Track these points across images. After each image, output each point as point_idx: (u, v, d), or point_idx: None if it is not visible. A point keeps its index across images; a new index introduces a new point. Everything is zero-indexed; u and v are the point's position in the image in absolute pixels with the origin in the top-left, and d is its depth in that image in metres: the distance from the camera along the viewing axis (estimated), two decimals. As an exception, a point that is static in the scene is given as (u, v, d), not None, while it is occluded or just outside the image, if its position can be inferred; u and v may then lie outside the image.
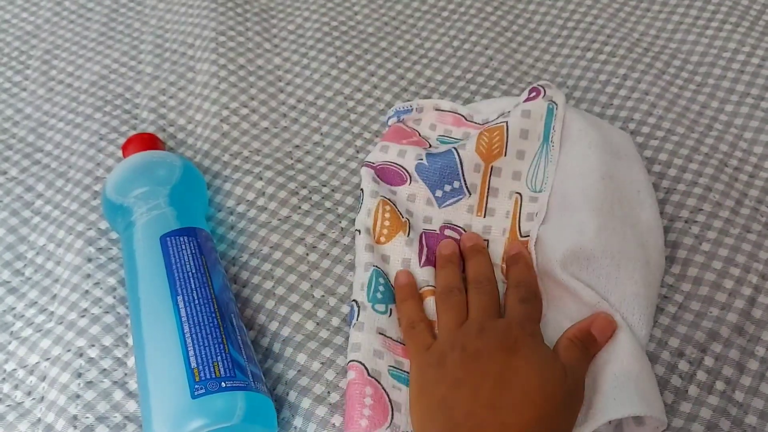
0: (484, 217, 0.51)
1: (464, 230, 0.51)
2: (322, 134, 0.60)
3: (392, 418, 0.42)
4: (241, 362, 0.42)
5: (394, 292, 0.48)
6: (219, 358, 0.41)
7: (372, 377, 0.43)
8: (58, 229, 0.54)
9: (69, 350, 0.47)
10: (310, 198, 0.55)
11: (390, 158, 0.54)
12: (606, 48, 0.63)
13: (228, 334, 0.43)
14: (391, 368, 0.44)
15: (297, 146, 0.59)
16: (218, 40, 0.66)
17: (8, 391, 0.47)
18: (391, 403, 0.42)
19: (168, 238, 0.47)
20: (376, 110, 0.61)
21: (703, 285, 0.47)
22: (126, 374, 0.47)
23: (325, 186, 0.56)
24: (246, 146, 0.59)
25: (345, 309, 0.49)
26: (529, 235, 0.48)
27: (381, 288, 0.47)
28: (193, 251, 0.46)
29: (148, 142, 0.55)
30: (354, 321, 0.46)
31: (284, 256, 0.52)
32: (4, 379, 0.47)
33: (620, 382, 0.40)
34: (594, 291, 0.45)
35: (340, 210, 0.55)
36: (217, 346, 0.41)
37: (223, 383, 0.40)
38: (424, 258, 0.49)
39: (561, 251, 0.46)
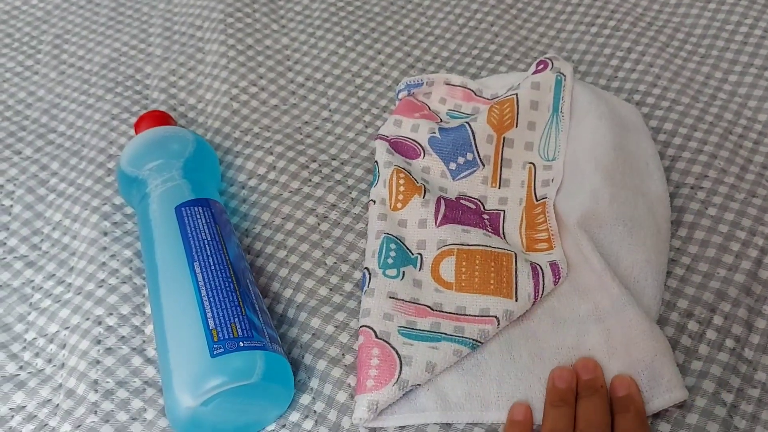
0: (499, 188, 0.52)
1: (480, 201, 0.52)
2: (330, 111, 0.60)
3: (400, 373, 0.42)
4: (257, 324, 0.42)
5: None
6: (236, 319, 0.42)
7: (380, 338, 0.44)
8: (74, 205, 0.55)
9: (88, 318, 0.48)
10: (320, 171, 0.56)
11: (403, 132, 0.54)
12: (610, 22, 0.63)
13: (244, 298, 0.43)
14: (402, 328, 0.44)
15: (306, 122, 0.60)
16: (226, 21, 0.67)
17: (29, 359, 0.48)
18: (400, 359, 0.43)
19: (183, 208, 0.47)
20: (383, 87, 0.62)
21: (710, 247, 0.48)
22: (144, 341, 0.47)
23: (334, 159, 0.57)
24: (256, 123, 0.60)
25: (357, 275, 0.50)
26: (545, 197, 0.49)
27: (392, 254, 0.48)
28: (208, 220, 0.47)
29: (160, 119, 0.56)
30: (365, 288, 0.47)
31: (296, 227, 0.52)
32: (24, 348, 0.48)
33: (639, 375, 0.41)
34: (602, 258, 0.45)
35: (350, 182, 0.55)
36: (233, 308, 0.42)
37: (240, 343, 0.40)
38: (441, 217, 0.49)
39: (575, 216, 0.47)
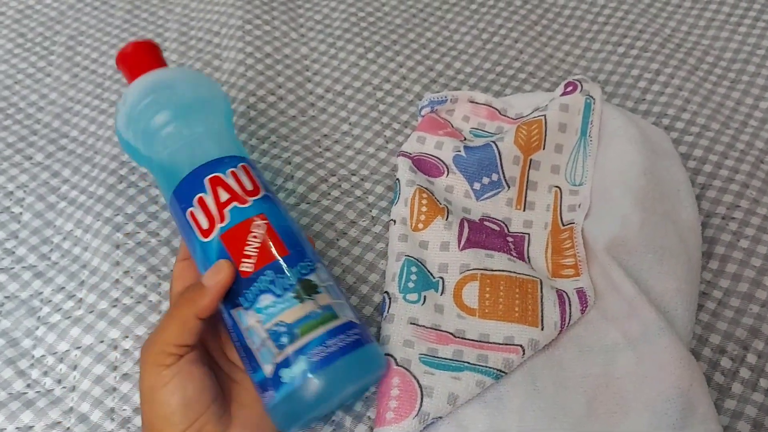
0: (524, 210, 0.51)
1: (503, 223, 0.50)
2: (350, 124, 0.59)
3: (421, 405, 0.41)
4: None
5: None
6: None
7: (400, 366, 0.42)
8: (86, 215, 0.53)
9: (102, 341, 0.47)
10: (340, 185, 0.55)
11: (427, 150, 0.53)
12: (638, 43, 0.62)
13: None
14: (423, 356, 0.43)
15: (325, 135, 0.58)
16: (244, 28, 0.65)
17: (37, 377, 0.46)
18: (421, 390, 0.41)
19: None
20: (404, 101, 0.60)
21: (743, 282, 0.47)
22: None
23: (354, 175, 0.55)
24: (273, 132, 0.58)
25: (377, 297, 0.48)
26: (572, 222, 0.48)
27: (413, 277, 0.47)
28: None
29: (150, 55, 0.48)
30: (385, 313, 0.45)
31: (314, 240, 0.51)
32: (32, 365, 0.47)
33: (673, 402, 0.40)
34: (635, 283, 0.44)
35: (371, 199, 0.54)
36: None
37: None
38: (464, 241, 0.48)
39: (603, 242, 0.45)
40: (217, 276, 0.38)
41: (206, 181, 0.41)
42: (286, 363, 0.37)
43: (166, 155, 0.43)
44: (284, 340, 0.37)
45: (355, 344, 0.38)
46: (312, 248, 0.42)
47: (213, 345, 0.42)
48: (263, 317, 0.37)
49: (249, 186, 0.41)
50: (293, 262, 0.39)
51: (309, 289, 0.38)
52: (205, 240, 0.40)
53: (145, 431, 0.37)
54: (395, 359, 0.43)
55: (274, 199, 0.42)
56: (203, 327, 0.38)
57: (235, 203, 0.40)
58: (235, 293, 0.38)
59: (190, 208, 0.41)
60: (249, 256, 0.39)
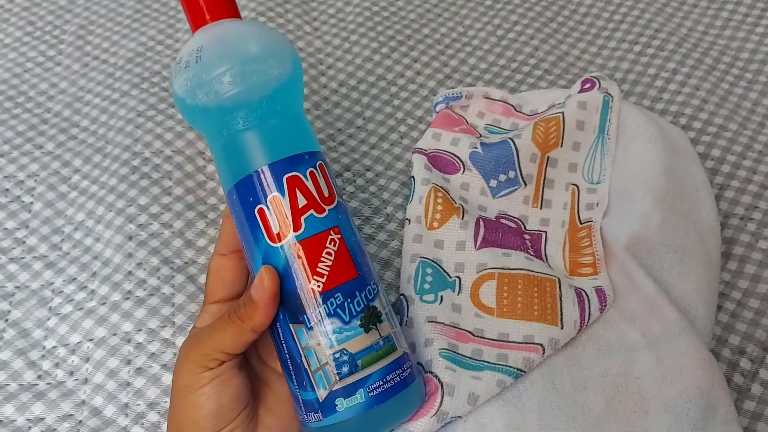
0: (541, 208, 0.50)
1: (520, 221, 0.50)
2: (365, 119, 0.58)
3: (440, 404, 0.40)
4: None
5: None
6: None
7: (418, 364, 0.42)
8: (98, 206, 0.53)
9: (115, 334, 0.46)
10: (354, 181, 0.54)
11: (442, 146, 0.53)
12: (654, 42, 0.62)
13: None
14: (443, 350, 0.42)
15: (339, 130, 0.58)
16: (258, 20, 0.65)
17: (48, 369, 0.45)
18: (442, 387, 0.41)
19: None
20: (419, 96, 0.60)
21: (762, 282, 0.46)
22: (174, 354, 0.45)
23: (369, 170, 0.55)
24: (288, 128, 0.58)
25: (392, 297, 0.48)
26: (590, 220, 0.47)
27: (429, 278, 0.46)
28: None
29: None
30: (405, 318, 0.45)
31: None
32: (43, 356, 0.46)
33: (694, 402, 0.40)
34: (655, 283, 0.44)
35: (385, 195, 0.53)
36: None
37: None
38: (480, 240, 0.48)
39: (623, 241, 0.45)
40: (263, 287, 0.35)
41: (284, 180, 0.37)
42: (344, 393, 0.36)
43: (235, 136, 0.37)
44: (345, 369, 0.36)
45: (408, 380, 0.37)
46: (372, 266, 0.39)
47: None
48: (327, 342, 0.36)
49: (326, 191, 0.38)
50: (362, 285, 0.37)
51: (374, 318, 0.37)
52: (273, 245, 0.36)
53: (171, 425, 0.37)
54: (422, 365, 0.42)
55: (345, 208, 0.39)
56: (256, 338, 0.36)
57: (312, 211, 0.37)
58: (299, 309, 0.36)
59: (261, 205, 0.36)
60: (320, 274, 0.36)
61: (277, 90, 0.37)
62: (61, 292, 0.49)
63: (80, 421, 0.43)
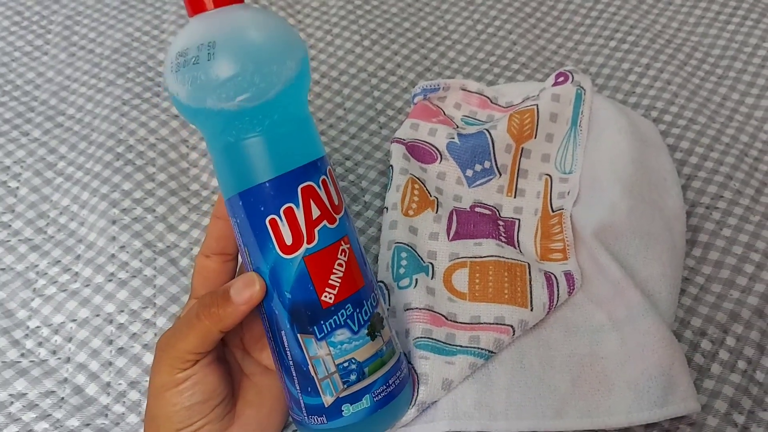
0: (515, 197, 0.52)
1: (495, 209, 0.51)
2: (345, 109, 0.60)
3: (417, 395, 0.42)
4: None
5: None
6: None
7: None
8: (82, 191, 0.54)
9: (98, 315, 0.47)
10: (333, 170, 0.55)
11: (420, 136, 0.54)
12: (629, 38, 0.63)
13: None
14: (417, 339, 0.44)
15: (320, 119, 0.59)
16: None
17: (31, 348, 0.47)
18: (417, 377, 0.42)
19: None
20: (399, 88, 0.61)
21: (724, 268, 0.48)
22: (156, 335, 0.46)
23: (348, 159, 0.56)
24: (270, 118, 0.59)
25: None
26: (562, 208, 0.49)
27: (403, 262, 0.47)
28: None
29: None
30: (387, 306, 0.46)
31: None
32: (27, 335, 0.47)
33: (655, 380, 0.41)
34: (620, 266, 0.45)
35: (364, 184, 0.55)
36: None
37: None
38: (453, 232, 0.49)
39: (591, 227, 0.46)
40: (247, 292, 0.35)
41: (299, 190, 0.35)
42: (350, 399, 0.36)
43: (244, 142, 0.35)
44: (353, 377, 0.36)
45: (405, 380, 0.39)
46: (371, 267, 0.39)
47: (231, 333, 0.39)
48: (336, 352, 0.36)
49: (336, 199, 0.36)
50: (368, 293, 0.37)
51: (378, 324, 0.37)
52: (286, 257, 0.35)
53: (147, 420, 0.37)
54: (406, 356, 0.43)
55: (348, 212, 0.38)
56: (224, 334, 0.36)
57: (325, 222, 0.35)
58: (309, 320, 0.35)
59: (273, 216, 0.35)
60: (332, 286, 0.35)
61: (292, 94, 0.35)
62: (46, 274, 0.50)
63: (62, 398, 0.44)
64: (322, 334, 0.35)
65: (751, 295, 0.47)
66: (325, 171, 0.36)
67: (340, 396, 0.36)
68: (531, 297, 0.45)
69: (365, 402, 0.36)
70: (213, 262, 0.39)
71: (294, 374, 0.36)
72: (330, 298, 0.35)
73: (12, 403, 0.44)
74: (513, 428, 0.42)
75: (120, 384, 0.45)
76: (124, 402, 0.44)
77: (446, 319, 0.45)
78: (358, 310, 0.36)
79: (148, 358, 0.45)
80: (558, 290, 0.46)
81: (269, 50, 0.34)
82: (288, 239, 0.35)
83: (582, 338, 0.45)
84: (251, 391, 0.39)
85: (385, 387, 0.37)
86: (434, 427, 0.42)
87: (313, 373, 0.36)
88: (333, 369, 0.36)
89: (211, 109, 0.34)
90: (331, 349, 0.35)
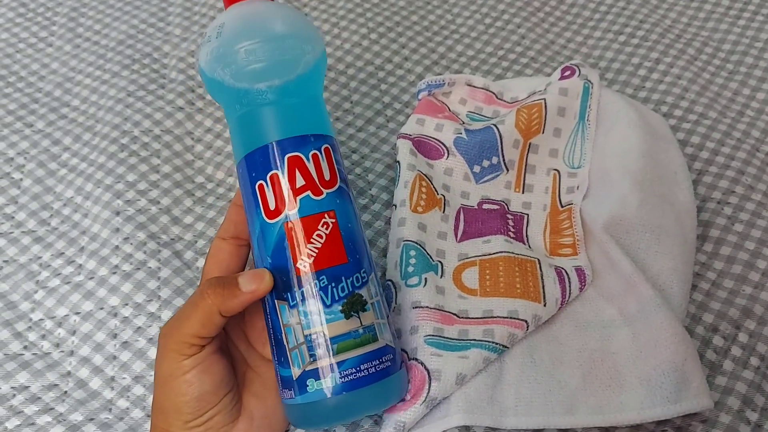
0: (523, 192, 0.51)
1: (503, 203, 0.51)
2: (352, 102, 0.59)
3: (429, 391, 0.41)
4: None
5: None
6: None
7: (411, 359, 0.42)
8: (86, 182, 0.53)
9: (102, 308, 0.47)
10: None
11: (426, 132, 0.53)
12: (638, 32, 0.63)
13: None
14: (428, 336, 0.43)
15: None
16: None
17: (34, 340, 0.46)
18: (429, 375, 0.42)
19: None
20: (406, 81, 0.61)
21: (736, 264, 0.47)
22: (160, 328, 0.46)
23: (354, 152, 0.56)
24: (276, 110, 0.58)
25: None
26: (571, 203, 0.48)
27: (412, 261, 0.46)
28: None
29: None
30: (393, 305, 0.45)
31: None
32: (30, 327, 0.47)
33: (668, 376, 0.40)
34: (632, 261, 0.45)
35: (370, 177, 0.54)
36: None
37: None
38: (461, 232, 0.49)
39: (602, 221, 0.46)
40: (255, 284, 0.36)
41: (286, 159, 0.38)
42: (314, 374, 0.36)
43: (248, 112, 0.39)
44: (320, 352, 0.36)
45: (385, 372, 0.38)
46: (369, 254, 0.40)
47: (233, 325, 0.41)
48: (305, 322, 0.36)
49: (327, 175, 0.39)
50: (350, 272, 0.38)
51: (357, 305, 0.37)
52: (269, 221, 0.38)
53: (155, 412, 0.37)
54: (407, 353, 0.43)
55: (347, 193, 0.40)
56: (226, 320, 0.37)
57: (309, 192, 0.38)
58: (285, 286, 0.37)
59: (261, 181, 0.38)
60: (309, 255, 0.37)
61: (291, 70, 0.39)
62: (49, 266, 0.49)
63: (65, 392, 0.44)
64: (294, 302, 0.37)
65: (764, 290, 0.46)
66: (319, 147, 0.39)
67: (306, 369, 0.36)
68: (544, 292, 0.45)
69: (329, 381, 0.36)
70: (228, 245, 0.41)
71: (273, 344, 0.38)
72: (305, 266, 0.37)
73: (14, 395, 0.43)
74: (522, 425, 0.41)
75: (124, 378, 0.44)
76: (128, 396, 0.43)
77: (457, 317, 0.45)
78: (333, 285, 0.37)
79: (153, 352, 0.45)
80: (570, 286, 0.45)
81: (269, 30, 0.39)
82: (272, 204, 0.37)
83: (593, 333, 0.44)
84: (256, 382, 0.40)
85: (355, 370, 0.36)
86: (448, 422, 0.41)
87: (285, 342, 0.37)
88: (301, 339, 0.36)
89: (219, 80, 0.39)
90: (302, 318, 0.36)
